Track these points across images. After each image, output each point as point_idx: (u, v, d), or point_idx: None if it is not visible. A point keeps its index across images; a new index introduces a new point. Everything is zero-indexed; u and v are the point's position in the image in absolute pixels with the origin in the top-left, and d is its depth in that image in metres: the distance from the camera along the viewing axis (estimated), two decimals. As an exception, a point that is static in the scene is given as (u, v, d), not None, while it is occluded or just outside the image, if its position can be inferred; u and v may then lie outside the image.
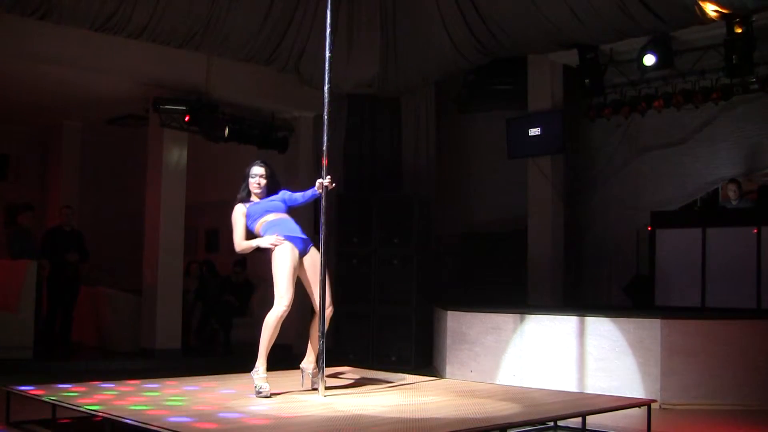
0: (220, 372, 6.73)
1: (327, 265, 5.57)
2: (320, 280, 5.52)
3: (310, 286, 5.69)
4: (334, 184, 5.63)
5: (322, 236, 5.60)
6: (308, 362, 5.79)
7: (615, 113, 10.02)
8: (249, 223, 5.69)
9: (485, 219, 11.69)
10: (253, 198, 5.76)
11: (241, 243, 5.67)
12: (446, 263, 11.83)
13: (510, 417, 4.84)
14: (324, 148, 5.60)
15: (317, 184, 5.61)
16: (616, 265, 10.43)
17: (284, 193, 5.80)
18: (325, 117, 5.66)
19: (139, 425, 4.31)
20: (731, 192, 9.22)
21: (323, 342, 5.48)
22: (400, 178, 11.40)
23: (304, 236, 5.68)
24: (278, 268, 5.51)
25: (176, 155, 10.33)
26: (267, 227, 5.64)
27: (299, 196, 5.77)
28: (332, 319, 5.74)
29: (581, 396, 6.64)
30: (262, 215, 5.68)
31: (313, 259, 5.67)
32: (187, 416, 4.55)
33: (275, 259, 5.54)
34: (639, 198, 10.38)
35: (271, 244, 5.56)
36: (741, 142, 9.75)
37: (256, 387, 5.36)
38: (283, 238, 5.56)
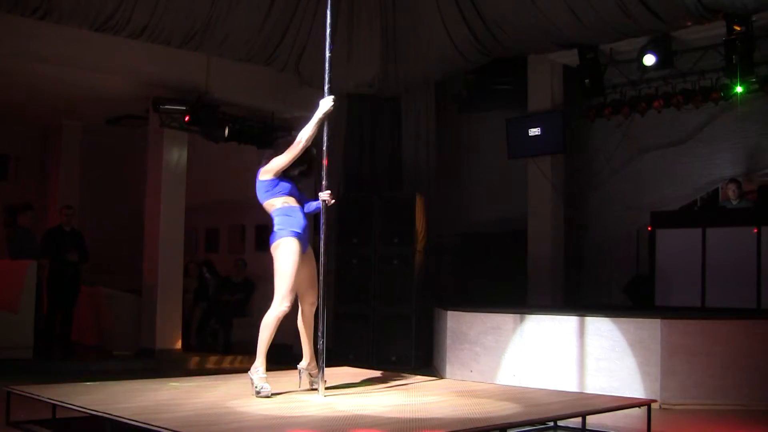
0: (220, 372, 6.73)
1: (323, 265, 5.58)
2: (321, 280, 5.53)
3: (302, 281, 5.60)
4: (333, 201, 5.58)
5: (322, 237, 5.60)
6: (305, 363, 5.77)
7: (615, 113, 10.03)
8: (270, 191, 5.48)
9: (485, 219, 11.68)
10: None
11: (304, 135, 5.40)
12: (446, 263, 11.82)
13: (510, 417, 4.84)
14: (324, 148, 5.60)
15: (320, 198, 5.56)
16: (616, 265, 10.42)
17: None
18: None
19: (139, 425, 4.31)
20: (731, 192, 9.21)
21: (323, 342, 5.48)
22: (400, 178, 11.39)
23: (306, 236, 5.61)
24: (283, 268, 5.37)
25: (176, 155, 10.33)
26: (285, 211, 5.45)
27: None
28: (315, 315, 5.68)
29: (581, 396, 6.64)
30: (285, 192, 5.48)
31: (309, 257, 5.65)
32: (187, 416, 4.55)
33: (282, 257, 5.38)
34: (639, 198, 10.37)
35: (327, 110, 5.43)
36: (741, 142, 9.76)
37: (256, 387, 5.35)
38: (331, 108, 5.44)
